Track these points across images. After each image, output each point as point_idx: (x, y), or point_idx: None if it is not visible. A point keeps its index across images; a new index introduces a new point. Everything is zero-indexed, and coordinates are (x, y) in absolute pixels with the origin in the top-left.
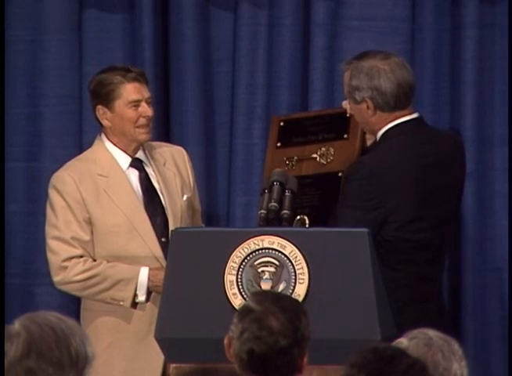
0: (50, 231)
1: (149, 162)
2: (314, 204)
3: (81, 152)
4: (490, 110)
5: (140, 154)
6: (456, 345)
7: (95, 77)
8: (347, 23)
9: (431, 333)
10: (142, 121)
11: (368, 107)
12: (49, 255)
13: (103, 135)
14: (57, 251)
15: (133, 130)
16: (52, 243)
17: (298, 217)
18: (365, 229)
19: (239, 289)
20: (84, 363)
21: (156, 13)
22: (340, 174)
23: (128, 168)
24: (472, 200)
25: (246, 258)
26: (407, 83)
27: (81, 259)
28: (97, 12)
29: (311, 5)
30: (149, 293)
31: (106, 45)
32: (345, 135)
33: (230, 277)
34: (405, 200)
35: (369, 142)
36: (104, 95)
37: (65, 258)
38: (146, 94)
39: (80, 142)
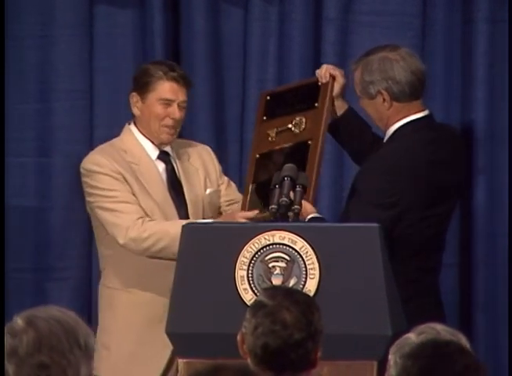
0: (108, 199)
1: (174, 157)
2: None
3: (91, 147)
4: (502, 105)
5: (167, 148)
6: (463, 339)
7: (142, 65)
8: (359, 18)
9: (439, 327)
10: (169, 121)
11: (384, 100)
12: (118, 215)
13: (132, 125)
14: (128, 211)
15: (158, 127)
16: (118, 206)
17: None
18: (375, 224)
19: (249, 284)
20: (92, 353)
21: (166, 9)
22: (309, 142)
23: (155, 160)
24: (483, 194)
25: (257, 253)
26: (420, 70)
27: (147, 218)
28: (108, 8)
29: (321, 0)
30: None
31: (116, 40)
32: (316, 104)
33: (241, 272)
34: (417, 197)
35: (338, 110)
36: (141, 84)
37: (137, 216)
38: (182, 97)
39: (90, 137)
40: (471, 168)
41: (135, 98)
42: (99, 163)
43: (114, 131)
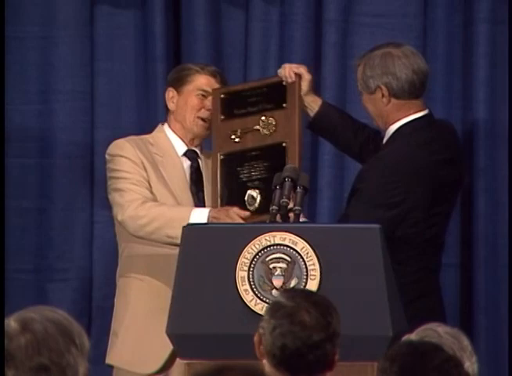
0: (120, 180)
1: (202, 158)
2: (263, 176)
3: (92, 148)
4: (502, 106)
5: (197, 149)
6: (465, 341)
7: (178, 66)
8: (359, 19)
9: (440, 329)
10: (204, 113)
11: (383, 95)
12: (123, 195)
13: (166, 125)
14: (134, 191)
15: (193, 118)
16: (126, 187)
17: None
18: (376, 225)
19: (250, 285)
20: (86, 351)
21: (168, 10)
22: (284, 144)
23: (181, 156)
24: (484, 195)
25: (257, 254)
26: (421, 70)
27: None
28: (109, 9)
29: (322, 1)
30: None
31: (117, 41)
32: (284, 105)
33: (242, 273)
34: (421, 197)
35: (313, 106)
36: (177, 79)
37: (141, 197)
38: None
39: (91, 138)
40: (471, 168)
41: (171, 93)
42: (122, 146)
43: (115, 133)
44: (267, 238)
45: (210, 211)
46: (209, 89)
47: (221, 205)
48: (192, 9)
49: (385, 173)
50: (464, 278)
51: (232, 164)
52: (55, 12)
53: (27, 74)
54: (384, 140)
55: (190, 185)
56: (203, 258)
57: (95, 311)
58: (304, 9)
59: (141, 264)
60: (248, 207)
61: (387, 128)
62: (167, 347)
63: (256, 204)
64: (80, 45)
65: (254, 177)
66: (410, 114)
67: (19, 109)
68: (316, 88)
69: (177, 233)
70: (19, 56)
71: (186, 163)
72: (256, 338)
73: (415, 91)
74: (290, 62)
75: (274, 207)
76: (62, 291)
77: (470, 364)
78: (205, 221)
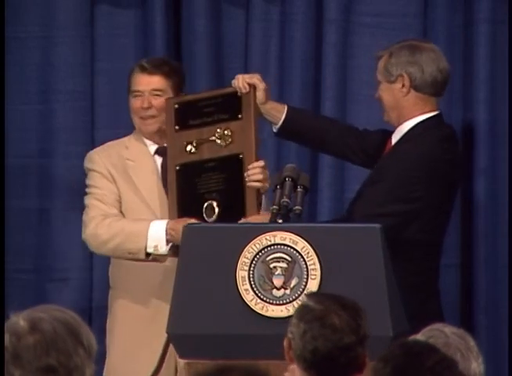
0: (89, 196)
1: None
2: (220, 188)
3: (92, 148)
4: (503, 106)
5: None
6: (471, 342)
7: None
8: (360, 19)
9: (447, 330)
10: (142, 112)
11: (403, 85)
12: (87, 211)
13: None
14: (98, 207)
15: (138, 120)
16: (91, 202)
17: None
18: (377, 225)
19: (251, 285)
20: (94, 353)
21: (168, 9)
22: (240, 156)
23: (154, 155)
24: (485, 195)
25: (258, 253)
26: (445, 70)
27: (115, 218)
28: (109, 8)
29: (323, 1)
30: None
31: (117, 41)
32: (239, 116)
33: (242, 273)
34: (434, 195)
35: (276, 113)
36: (127, 86)
37: (102, 213)
38: (153, 85)
39: (92, 138)
40: (471, 167)
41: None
42: (91, 159)
43: (115, 133)
44: (267, 238)
45: (168, 223)
46: (140, 88)
47: (179, 216)
48: (193, 8)
49: (406, 168)
50: (464, 278)
51: (189, 175)
52: (55, 12)
53: (27, 74)
54: (395, 138)
55: (163, 184)
56: (203, 258)
57: (95, 311)
58: (304, 8)
59: (123, 275)
60: (206, 218)
61: (399, 124)
62: (157, 353)
63: (214, 216)
64: (80, 45)
65: (211, 188)
66: (425, 112)
67: (19, 109)
68: (316, 88)
69: (138, 247)
70: (19, 56)
71: (158, 161)
72: (285, 343)
73: (435, 87)
74: (291, 62)
75: (274, 206)
76: (62, 291)
77: (477, 365)
78: (163, 233)
